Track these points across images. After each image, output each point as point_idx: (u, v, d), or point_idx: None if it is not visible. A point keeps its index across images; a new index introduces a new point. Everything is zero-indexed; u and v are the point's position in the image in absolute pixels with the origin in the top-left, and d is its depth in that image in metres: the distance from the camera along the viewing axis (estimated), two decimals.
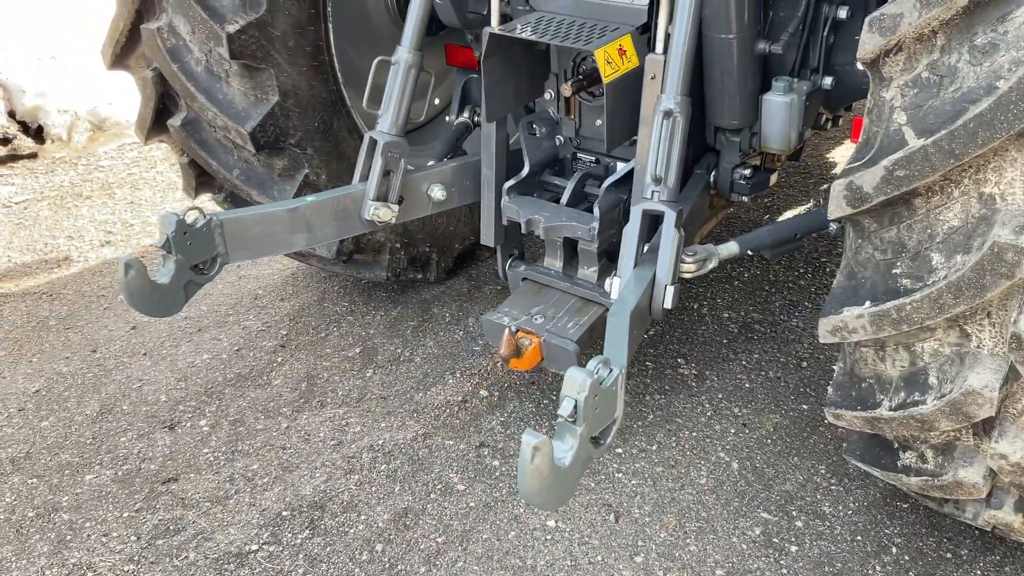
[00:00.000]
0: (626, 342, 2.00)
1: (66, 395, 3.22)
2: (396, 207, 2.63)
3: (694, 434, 2.89)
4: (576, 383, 1.71)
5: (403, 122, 2.61)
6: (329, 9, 2.93)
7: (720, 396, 3.05)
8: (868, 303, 1.77)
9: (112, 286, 3.92)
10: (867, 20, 1.62)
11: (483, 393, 3.12)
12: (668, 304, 2.18)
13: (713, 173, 2.70)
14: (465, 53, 3.21)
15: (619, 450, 2.84)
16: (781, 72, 2.54)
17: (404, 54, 2.59)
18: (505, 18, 2.64)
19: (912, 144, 1.60)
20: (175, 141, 3.10)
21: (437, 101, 3.66)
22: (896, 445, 2.07)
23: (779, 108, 2.47)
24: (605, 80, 2.32)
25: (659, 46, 2.28)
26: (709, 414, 2.97)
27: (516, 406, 3.05)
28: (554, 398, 3.08)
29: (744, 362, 3.20)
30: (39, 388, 3.26)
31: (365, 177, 2.60)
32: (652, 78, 2.28)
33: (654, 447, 2.84)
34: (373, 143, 2.59)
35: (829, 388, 2.07)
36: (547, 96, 2.76)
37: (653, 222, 2.26)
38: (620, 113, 2.39)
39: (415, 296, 3.69)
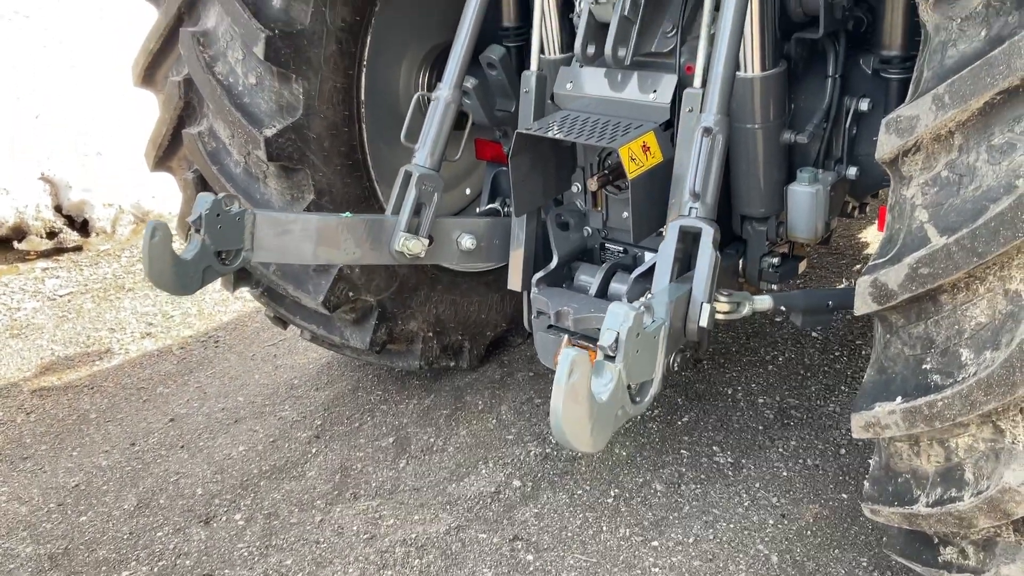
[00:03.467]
0: (666, 304, 1.94)
1: (104, 489, 3.26)
2: (426, 242, 2.64)
3: (731, 526, 2.84)
4: (620, 315, 1.67)
5: (439, 157, 2.64)
6: (363, 111, 3.04)
7: (757, 485, 3.00)
8: (900, 399, 1.76)
9: (152, 378, 3.99)
10: (884, 122, 1.65)
11: (516, 483, 3.10)
12: (704, 322, 2.10)
13: (741, 261, 2.71)
14: (494, 147, 3.29)
15: (655, 543, 2.80)
16: (806, 162, 2.58)
17: (444, 91, 2.65)
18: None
19: (935, 242, 1.61)
20: None
21: (468, 191, 3.74)
22: (936, 540, 2.02)
23: (804, 198, 2.50)
24: (630, 176, 2.36)
25: (697, 81, 2.31)
26: (747, 504, 2.92)
27: (550, 496, 3.03)
28: (588, 487, 3.06)
29: (781, 449, 3.16)
30: (79, 482, 3.31)
31: (398, 210, 2.61)
32: (689, 110, 2.29)
33: (691, 539, 2.80)
34: (408, 175, 2.61)
35: (865, 483, 2.04)
36: (574, 189, 2.81)
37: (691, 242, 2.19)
38: (645, 207, 2.43)
39: (448, 384, 3.71)
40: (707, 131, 2.17)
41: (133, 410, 3.76)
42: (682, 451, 3.19)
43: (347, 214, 2.61)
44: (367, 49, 3.00)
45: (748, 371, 3.60)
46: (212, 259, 2.39)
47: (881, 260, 1.71)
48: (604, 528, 2.87)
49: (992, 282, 1.60)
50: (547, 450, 3.25)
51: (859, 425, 1.85)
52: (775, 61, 2.45)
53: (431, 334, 3.47)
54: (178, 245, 2.46)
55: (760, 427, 3.28)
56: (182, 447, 3.48)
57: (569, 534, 2.86)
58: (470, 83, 2.87)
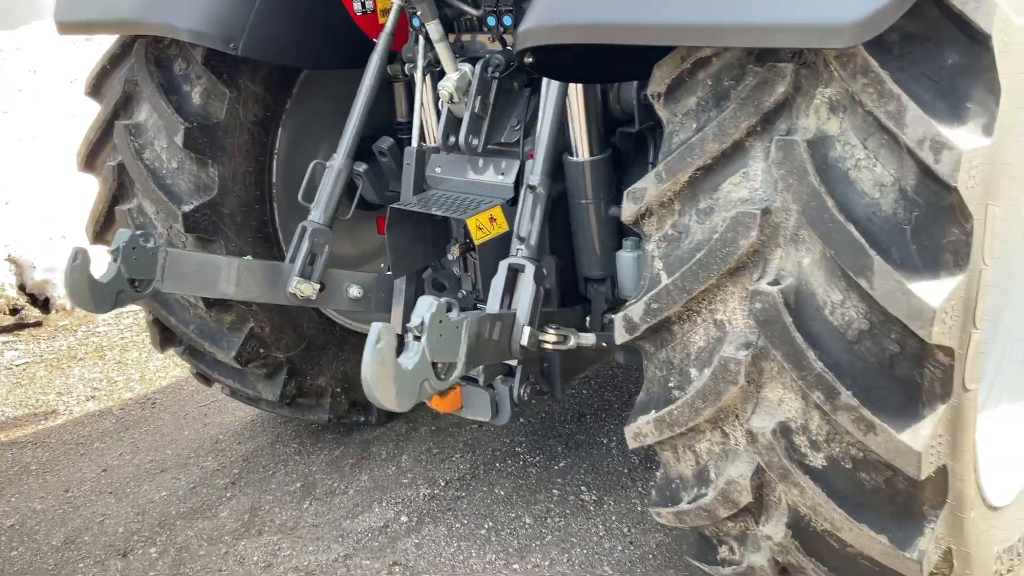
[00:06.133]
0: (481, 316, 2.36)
1: (36, 528, 3.61)
2: (317, 287, 3.03)
3: (585, 551, 3.22)
4: (426, 304, 2.08)
5: (331, 216, 3.07)
6: (275, 192, 3.54)
7: (614, 518, 3.39)
8: (653, 411, 2.19)
9: (91, 435, 4.37)
10: (625, 192, 2.14)
11: (403, 519, 3.48)
12: (524, 341, 2.51)
13: (588, 319, 3.17)
14: None
15: (515, 566, 3.17)
16: (631, 232, 3.06)
17: (337, 161, 3.10)
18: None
19: (663, 283, 2.07)
20: (143, 303, 3.63)
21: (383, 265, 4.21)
22: (715, 540, 2.42)
23: (629, 262, 2.97)
24: (476, 242, 2.84)
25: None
26: (602, 534, 3.30)
27: (431, 529, 3.40)
28: (465, 521, 3.43)
29: (640, 488, 3.56)
30: (13, 523, 3.65)
31: (294, 258, 3.03)
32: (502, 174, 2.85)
33: (547, 563, 3.17)
34: (303, 229, 3.04)
35: (652, 492, 2.45)
36: (450, 257, 3.29)
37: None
38: (493, 269, 2.90)
39: (358, 437, 4.10)
40: (531, 188, 2.68)
41: (70, 462, 4.12)
42: (554, 490, 3.58)
43: (248, 257, 3.06)
44: (278, 140, 3.52)
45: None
46: (126, 285, 2.81)
47: (632, 301, 2.17)
48: (473, 554, 3.24)
49: (705, 314, 2.05)
50: (435, 491, 3.64)
51: (629, 436, 2.28)
52: (602, 148, 2.96)
53: (339, 389, 3.89)
54: (99, 270, 2.86)
55: (626, 470, 3.68)
56: (111, 493, 3.84)
57: (442, 560, 3.23)
58: (362, 168, 3.37)
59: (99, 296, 2.79)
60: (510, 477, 3.69)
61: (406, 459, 3.90)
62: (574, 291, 3.16)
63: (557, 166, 2.90)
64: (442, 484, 3.68)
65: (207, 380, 3.92)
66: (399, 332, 3.02)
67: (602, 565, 3.14)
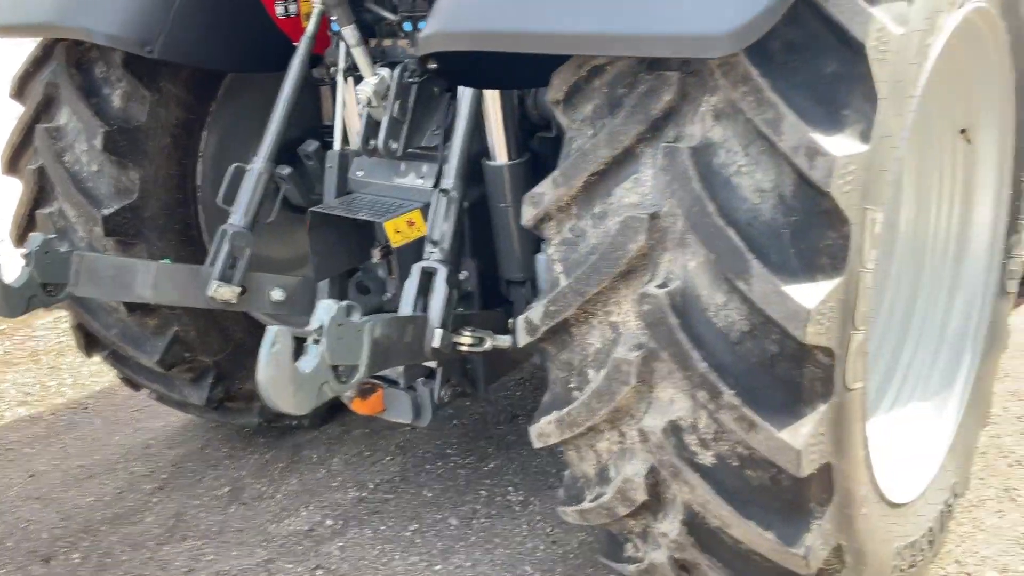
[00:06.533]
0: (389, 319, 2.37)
1: None
2: (238, 290, 3.02)
3: (508, 552, 3.24)
4: (325, 307, 2.07)
5: (251, 219, 3.05)
6: (200, 194, 3.53)
7: (539, 518, 3.42)
8: (554, 412, 2.22)
9: (20, 440, 4.31)
10: (524, 196, 2.17)
11: (329, 522, 3.48)
12: (436, 343, 2.52)
13: (510, 320, 3.20)
14: None
15: (438, 567, 3.19)
16: None
17: (258, 164, 3.09)
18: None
19: (560, 286, 2.11)
20: (67, 307, 3.60)
21: None
22: (621, 539, 2.46)
23: (545, 264, 3.00)
24: (394, 245, 2.87)
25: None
26: (525, 534, 3.33)
27: (356, 532, 3.41)
28: (391, 524, 3.45)
29: None
30: None
31: (214, 261, 3.01)
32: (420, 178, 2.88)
33: (470, 564, 3.19)
34: (223, 233, 3.02)
35: (560, 491, 2.49)
36: (373, 260, 3.30)
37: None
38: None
39: (290, 440, 4.09)
40: (444, 191, 2.71)
41: None
42: (482, 492, 3.61)
43: (166, 260, 3.05)
44: (203, 142, 3.51)
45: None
46: (38, 290, 2.78)
47: (533, 303, 2.20)
48: (397, 557, 3.26)
49: (601, 316, 2.09)
50: (363, 494, 3.65)
51: (533, 436, 2.30)
52: (520, 153, 2.99)
53: None
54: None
55: (554, 471, 3.72)
56: (37, 499, 3.80)
57: (366, 562, 3.24)
58: (286, 171, 3.37)
59: (11, 300, 2.76)
60: (439, 479, 3.71)
61: (337, 462, 3.90)
62: (496, 294, 3.19)
63: (476, 170, 2.93)
64: (371, 487, 3.69)
65: (135, 385, 3.89)
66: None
67: (523, 565, 3.17)
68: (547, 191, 2.12)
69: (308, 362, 2.07)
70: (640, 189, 2.01)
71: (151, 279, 2.97)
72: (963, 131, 3.00)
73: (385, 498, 3.61)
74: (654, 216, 1.95)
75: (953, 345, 3.10)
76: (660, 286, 1.97)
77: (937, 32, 2.11)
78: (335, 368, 2.15)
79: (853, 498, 2.14)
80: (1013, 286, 3.22)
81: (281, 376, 2.00)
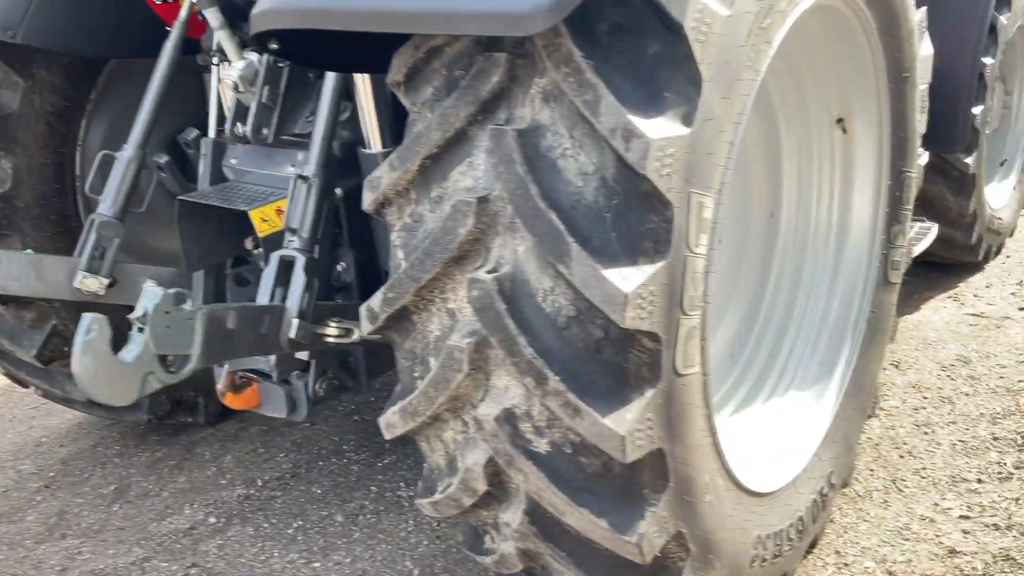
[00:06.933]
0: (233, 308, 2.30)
1: None
2: (106, 281, 2.93)
3: (390, 547, 3.19)
4: (151, 294, 1.99)
5: (120, 208, 2.96)
6: (78, 184, 3.43)
7: (425, 514, 3.37)
8: (400, 402, 2.18)
9: None
10: (365, 180, 2.12)
11: (211, 520, 3.41)
12: (292, 334, 2.46)
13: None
14: None
15: (316, 564, 3.13)
16: None
17: (128, 151, 2.99)
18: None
19: (397, 274, 2.07)
20: None
21: None
22: (480, 530, 2.42)
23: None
24: (260, 235, 2.80)
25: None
26: (410, 529, 3.29)
27: (238, 530, 3.34)
28: (275, 521, 3.38)
29: None
30: None
31: (81, 252, 2.92)
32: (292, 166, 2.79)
33: (349, 560, 3.14)
34: (91, 222, 2.93)
35: (419, 483, 2.44)
36: (249, 250, 3.22)
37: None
38: None
39: (184, 438, 4.01)
40: (303, 179, 2.64)
41: None
42: (372, 487, 3.55)
43: (28, 251, 2.96)
44: (82, 131, 3.41)
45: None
46: None
47: (377, 292, 2.15)
48: (276, 554, 3.19)
49: (439, 303, 2.05)
50: (251, 492, 3.58)
51: (382, 427, 2.25)
52: (395, 140, 2.92)
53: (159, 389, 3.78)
54: None
55: None
56: None
57: (243, 561, 3.17)
58: (163, 159, 3.30)
59: None
60: (331, 475, 3.65)
61: (229, 459, 3.83)
62: (377, 284, 3.13)
63: (350, 157, 2.87)
64: (259, 484, 3.62)
65: (20, 381, 3.78)
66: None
67: (404, 560, 3.12)
68: (384, 175, 2.07)
69: (130, 351, 2.01)
70: (474, 173, 1.97)
71: (15, 270, 2.88)
72: (840, 121, 3.00)
73: (272, 495, 3.54)
74: (483, 200, 1.91)
75: (833, 335, 3.10)
76: (490, 271, 1.93)
77: (777, 15, 2.09)
78: (163, 358, 2.08)
79: (694, 485, 2.12)
80: (896, 276, 3.23)
81: (98, 365, 1.93)
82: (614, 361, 1.89)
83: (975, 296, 5.00)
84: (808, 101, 2.99)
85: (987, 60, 4.57)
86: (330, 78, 2.70)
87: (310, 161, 2.67)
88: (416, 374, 2.16)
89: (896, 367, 4.27)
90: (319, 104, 2.71)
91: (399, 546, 3.20)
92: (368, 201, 2.12)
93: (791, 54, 2.85)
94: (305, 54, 2.32)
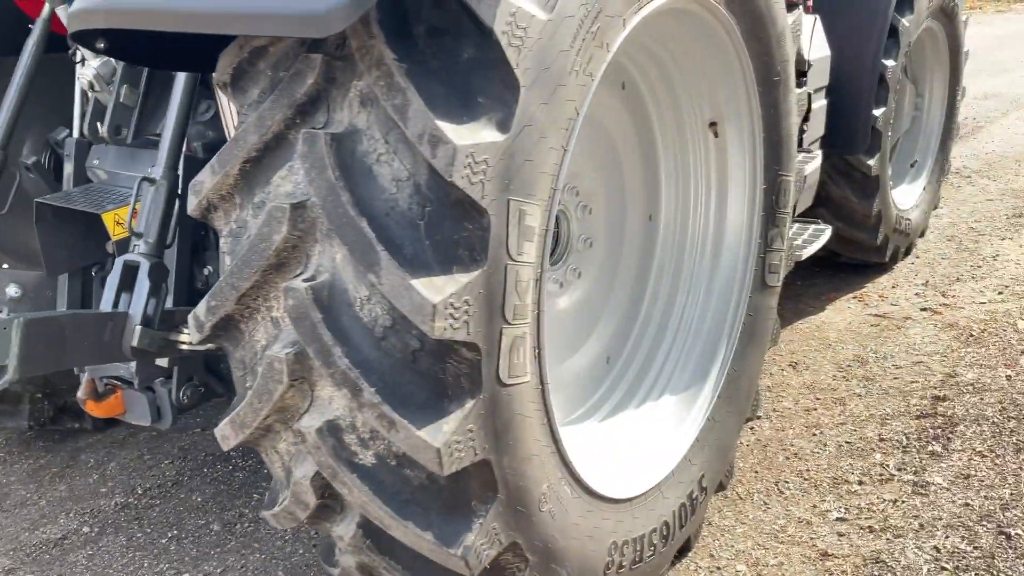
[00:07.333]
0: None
1: None
2: None
3: (263, 556, 3.13)
4: None
5: None
6: None
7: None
8: (232, 413, 2.12)
9: None
10: (190, 184, 2.06)
11: (85, 530, 3.32)
12: (135, 342, 2.40)
13: None
14: None
15: (186, 574, 3.06)
16: None
17: None
18: None
19: (218, 282, 2.01)
20: None
21: None
22: (332, 543, 2.37)
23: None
24: (114, 238, 2.72)
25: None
26: (287, 538, 3.22)
27: (111, 540, 3.25)
28: (149, 531, 3.30)
29: None
30: None
31: None
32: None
33: (220, 570, 3.07)
34: None
35: (267, 494, 2.38)
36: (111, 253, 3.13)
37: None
38: None
39: (70, 444, 3.91)
40: (148, 181, 2.55)
41: None
42: (254, 495, 3.48)
43: None
44: None
45: None
46: None
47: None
48: (146, 565, 3.12)
49: (264, 312, 2.00)
50: (130, 500, 3.49)
51: (218, 438, 2.19)
52: None
53: (40, 395, 3.68)
54: None
55: None
56: None
57: (112, 572, 3.09)
58: (31, 160, 3.19)
59: None
60: (214, 483, 3.58)
61: (113, 467, 3.74)
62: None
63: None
64: (139, 492, 3.54)
65: None
66: None
67: (276, 570, 3.06)
68: (206, 179, 2.01)
69: None
70: (294, 178, 1.92)
71: None
72: (712, 124, 2.99)
73: (151, 504, 3.46)
74: (299, 206, 1.86)
75: (709, 339, 3.09)
76: (308, 279, 1.88)
77: (610, 19, 2.06)
78: None
79: (528, 495, 2.09)
80: (775, 280, 3.23)
81: None
82: (431, 372, 1.85)
83: (880, 297, 5.05)
84: (681, 105, 2.98)
85: (888, 62, 4.61)
86: (181, 76, 2.63)
87: (158, 163, 2.60)
88: (247, 384, 2.11)
89: (794, 368, 4.30)
90: (169, 103, 2.63)
91: (273, 555, 3.14)
92: (192, 205, 2.06)
93: (659, 58, 2.84)
94: (135, 53, 2.24)
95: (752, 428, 3.78)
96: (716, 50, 2.76)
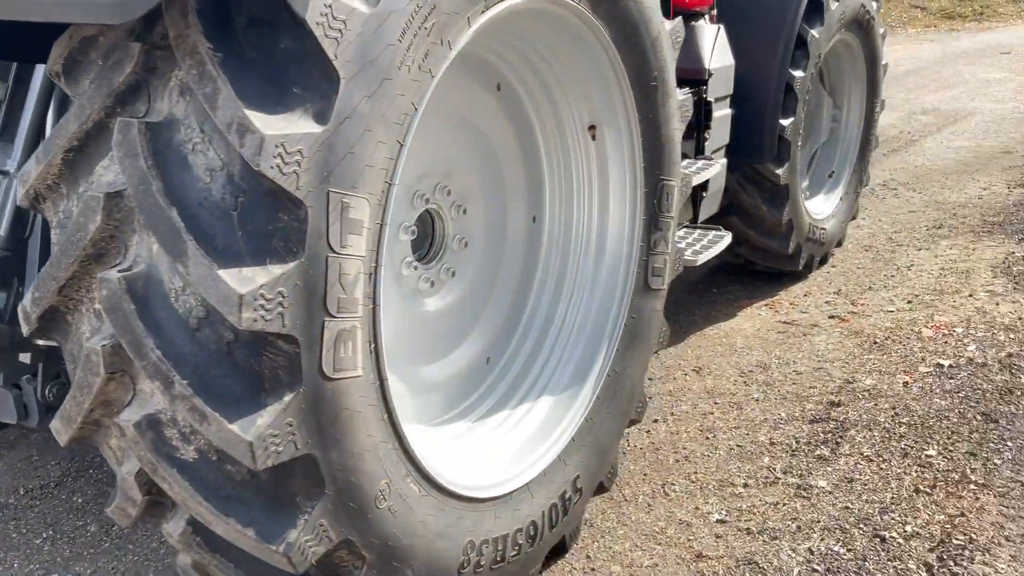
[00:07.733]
0: None
1: None
2: None
3: (137, 557, 3.08)
4: None
5: None
6: None
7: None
8: (61, 406, 2.09)
9: None
10: (18, 175, 2.03)
11: None
12: None
13: None
14: None
15: (78, 567, 3.01)
16: None
17: None
18: None
19: (40, 273, 1.98)
20: None
21: None
22: None
23: None
24: None
25: None
26: (162, 539, 3.17)
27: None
28: (24, 531, 3.23)
29: None
30: None
31: None
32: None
33: (91, 571, 3.02)
34: None
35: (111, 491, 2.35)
36: None
37: None
38: None
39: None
40: (3, 173, 2.51)
41: None
42: None
43: None
44: None
45: None
46: None
47: None
48: (16, 565, 3.06)
49: (88, 303, 1.97)
50: (11, 500, 3.43)
51: (54, 433, 2.14)
52: None
53: None
54: None
55: None
56: None
57: None
58: None
59: None
60: (97, 484, 3.52)
61: (1, 467, 3.66)
62: None
63: None
64: (21, 493, 3.47)
65: None
66: None
67: (148, 572, 3.02)
68: (32, 168, 1.99)
69: None
70: (115, 167, 1.89)
71: None
72: (591, 128, 3.01)
73: (31, 504, 3.40)
74: (113, 195, 1.84)
75: (590, 341, 3.10)
76: (124, 270, 1.86)
77: (448, 16, 2.06)
78: None
79: (363, 492, 2.07)
80: (659, 283, 3.25)
81: None
82: (247, 364, 1.84)
83: (791, 304, 5.10)
84: (559, 108, 2.99)
85: (797, 73, 4.66)
86: (40, 68, 2.59)
87: (13, 155, 2.56)
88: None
89: (697, 373, 4.32)
90: (27, 95, 2.59)
91: (147, 557, 3.09)
92: (20, 195, 2.03)
93: (532, 60, 2.85)
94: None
95: (647, 431, 3.80)
96: (588, 54, 2.77)
